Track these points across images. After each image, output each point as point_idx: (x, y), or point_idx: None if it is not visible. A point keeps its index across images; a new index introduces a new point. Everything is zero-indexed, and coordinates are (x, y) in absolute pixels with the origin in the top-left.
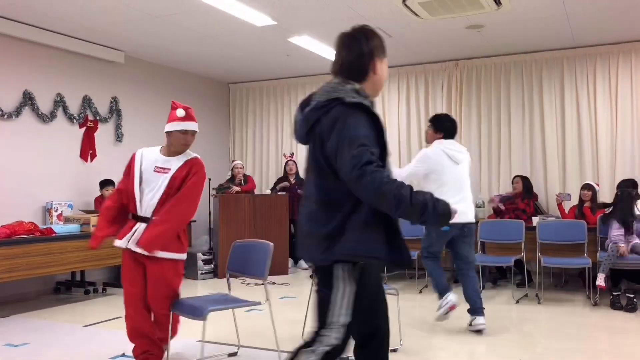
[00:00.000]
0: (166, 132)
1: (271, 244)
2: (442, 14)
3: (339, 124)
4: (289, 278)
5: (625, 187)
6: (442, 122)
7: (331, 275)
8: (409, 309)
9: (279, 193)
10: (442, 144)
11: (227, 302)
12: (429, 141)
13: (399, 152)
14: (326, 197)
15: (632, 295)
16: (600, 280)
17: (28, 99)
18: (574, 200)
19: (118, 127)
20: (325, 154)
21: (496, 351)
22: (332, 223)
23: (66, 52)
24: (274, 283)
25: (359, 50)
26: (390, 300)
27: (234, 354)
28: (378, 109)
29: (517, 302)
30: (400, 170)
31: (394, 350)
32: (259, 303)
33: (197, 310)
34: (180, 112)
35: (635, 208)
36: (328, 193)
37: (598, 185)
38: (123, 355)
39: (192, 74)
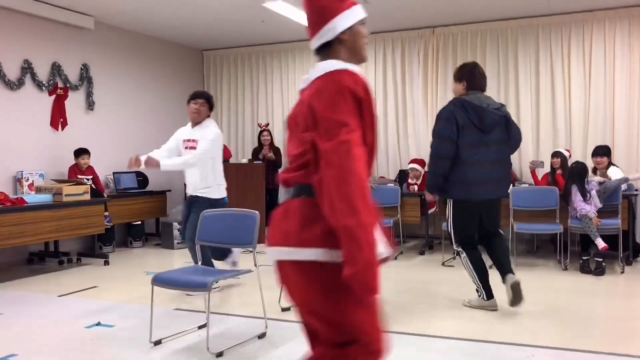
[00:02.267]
0: (341, 33)
1: (257, 212)
2: None
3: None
4: (264, 247)
5: (601, 155)
6: (213, 101)
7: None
8: (385, 278)
9: (255, 162)
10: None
11: (223, 272)
12: (202, 117)
13: None
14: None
15: (600, 260)
16: (600, 242)
17: None
18: (547, 168)
19: (89, 94)
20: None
21: (470, 316)
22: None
23: (33, 16)
24: (250, 251)
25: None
26: None
27: (202, 327)
28: None
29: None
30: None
31: None
32: (249, 271)
33: (200, 283)
34: None
35: (587, 179)
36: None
37: (569, 151)
38: (98, 324)
39: (164, 40)
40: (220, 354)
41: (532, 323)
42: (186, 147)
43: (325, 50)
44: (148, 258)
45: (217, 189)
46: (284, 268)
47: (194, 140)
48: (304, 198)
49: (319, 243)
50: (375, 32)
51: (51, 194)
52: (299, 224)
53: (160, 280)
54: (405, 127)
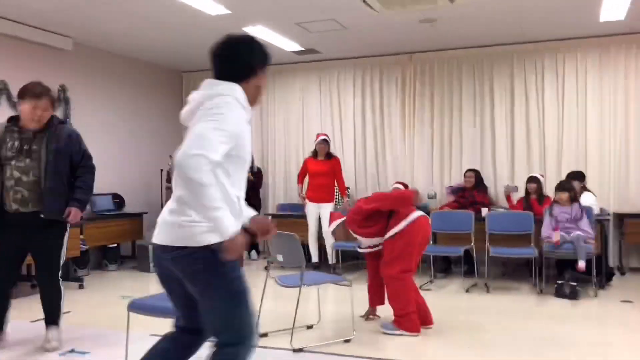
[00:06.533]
0: None
1: None
2: (397, 8)
3: None
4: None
5: (573, 179)
6: None
7: None
8: (362, 300)
9: None
10: None
11: None
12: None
13: (354, 145)
14: None
15: (574, 284)
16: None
17: None
18: (521, 192)
19: (67, 116)
20: None
21: (446, 339)
22: None
23: (10, 37)
24: None
25: None
26: (344, 291)
27: None
28: (333, 101)
29: (467, 291)
30: None
31: (347, 341)
32: None
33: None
34: None
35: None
36: None
37: (543, 175)
38: (72, 351)
39: (143, 62)
40: None
41: (503, 349)
42: None
43: None
44: (124, 281)
45: None
46: None
47: None
48: None
49: None
50: (353, 57)
51: None
52: None
53: (136, 307)
54: (383, 153)
